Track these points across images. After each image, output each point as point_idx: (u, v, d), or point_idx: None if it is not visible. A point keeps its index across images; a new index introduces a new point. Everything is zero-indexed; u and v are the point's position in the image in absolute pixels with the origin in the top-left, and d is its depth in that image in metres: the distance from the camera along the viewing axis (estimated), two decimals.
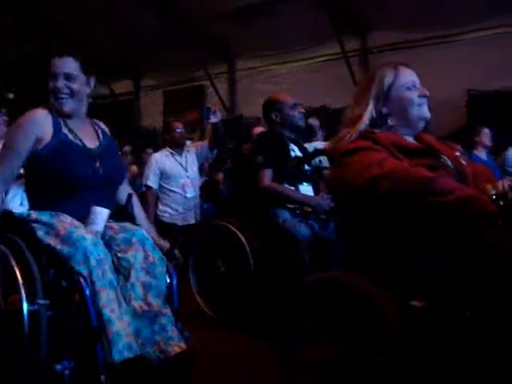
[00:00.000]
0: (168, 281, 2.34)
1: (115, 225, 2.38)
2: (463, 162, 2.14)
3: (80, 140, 2.42)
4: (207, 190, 5.57)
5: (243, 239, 3.42)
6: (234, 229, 3.50)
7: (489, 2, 8.48)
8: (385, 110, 2.13)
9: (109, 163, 2.44)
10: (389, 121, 2.14)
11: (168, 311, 2.28)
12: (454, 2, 8.56)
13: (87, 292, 2.03)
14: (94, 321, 2.02)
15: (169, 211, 4.80)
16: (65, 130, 2.41)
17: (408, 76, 2.16)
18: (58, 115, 2.42)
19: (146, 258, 2.28)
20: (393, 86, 2.13)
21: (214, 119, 4.52)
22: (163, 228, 4.71)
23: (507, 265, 1.72)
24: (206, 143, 5.01)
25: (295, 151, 3.52)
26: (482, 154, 5.56)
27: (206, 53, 11.82)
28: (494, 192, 1.87)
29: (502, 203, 1.84)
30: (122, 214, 2.49)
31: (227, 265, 3.57)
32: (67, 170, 2.31)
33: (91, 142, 2.47)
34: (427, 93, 2.15)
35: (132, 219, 2.50)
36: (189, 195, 4.80)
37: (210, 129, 4.84)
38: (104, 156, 2.45)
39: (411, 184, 1.82)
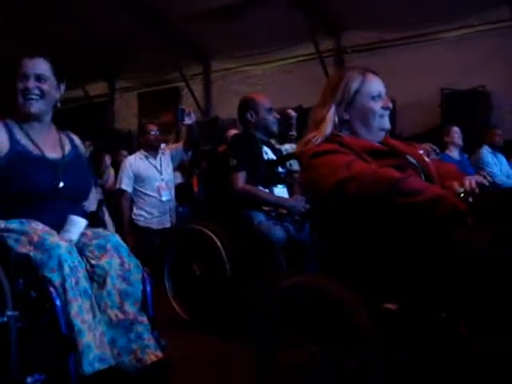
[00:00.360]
0: (143, 288, 2.30)
1: (89, 231, 2.33)
2: (427, 160, 2.14)
3: (39, 150, 2.35)
4: (182, 193, 5.52)
5: (218, 243, 3.40)
6: (209, 232, 3.47)
7: (463, 1, 8.57)
8: (346, 116, 2.12)
9: (73, 175, 2.38)
10: (349, 128, 2.12)
11: (144, 319, 2.25)
12: (429, 1, 8.63)
13: (58, 302, 1.99)
14: (64, 331, 1.98)
15: (144, 215, 4.76)
16: (23, 140, 2.34)
17: (375, 85, 2.15)
18: (18, 122, 2.35)
19: (121, 264, 2.24)
20: (358, 93, 2.12)
21: (188, 121, 4.49)
22: (138, 232, 4.68)
23: (476, 263, 1.72)
24: (180, 145, 4.97)
25: (268, 153, 3.51)
26: (454, 153, 5.59)
27: (181, 54, 11.78)
28: (461, 190, 1.88)
29: (470, 200, 1.85)
30: (93, 220, 2.44)
31: (203, 269, 3.54)
32: (24, 181, 2.25)
33: (53, 152, 2.40)
34: (390, 105, 2.16)
35: (104, 225, 2.46)
36: (164, 198, 4.76)
37: (185, 130, 4.80)
38: (68, 167, 2.38)
39: (379, 185, 1.82)
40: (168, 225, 4.79)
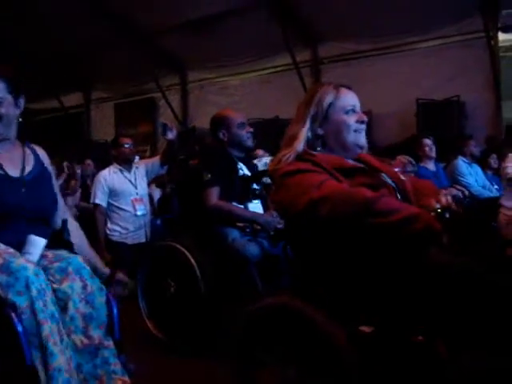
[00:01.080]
0: (108, 310, 2.22)
1: (50, 253, 2.24)
2: (403, 178, 2.10)
3: (1, 168, 2.27)
4: (160, 206, 5.44)
5: (192, 259, 3.32)
6: (182, 249, 3.40)
7: (438, 12, 8.64)
8: (320, 131, 2.07)
9: (35, 194, 2.30)
10: (319, 145, 2.07)
11: (110, 343, 2.17)
12: (405, 12, 8.69)
13: (19, 328, 1.90)
14: (28, 360, 1.89)
15: (118, 230, 4.66)
16: None
17: (349, 99, 2.11)
18: None
19: (84, 287, 2.15)
20: (332, 107, 2.08)
21: (170, 136, 4.46)
22: (113, 247, 4.59)
23: (453, 284, 1.68)
24: (157, 159, 4.89)
25: (243, 170, 3.44)
26: (429, 165, 5.58)
27: (158, 65, 11.72)
28: (438, 206, 1.84)
29: (447, 216, 1.82)
30: (58, 240, 2.35)
31: (176, 286, 3.46)
32: None
33: (15, 170, 2.31)
34: (365, 119, 2.11)
35: (69, 246, 2.37)
36: (139, 213, 4.67)
37: (166, 144, 4.74)
38: (32, 184, 2.31)
39: (352, 206, 1.76)
40: (143, 240, 4.70)
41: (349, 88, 2.16)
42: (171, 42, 11.11)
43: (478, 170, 6.03)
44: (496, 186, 5.79)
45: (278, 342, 1.98)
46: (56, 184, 2.52)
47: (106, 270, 2.48)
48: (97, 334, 2.14)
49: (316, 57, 10.56)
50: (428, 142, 5.60)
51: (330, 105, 2.08)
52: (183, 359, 3.33)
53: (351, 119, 2.09)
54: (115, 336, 2.23)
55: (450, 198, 1.86)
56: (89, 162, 7.29)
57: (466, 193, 5.15)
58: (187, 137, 10.32)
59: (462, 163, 5.88)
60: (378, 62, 9.73)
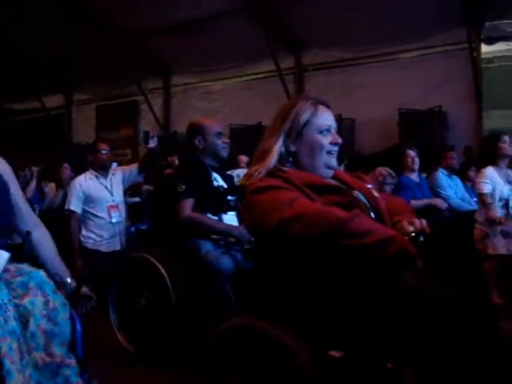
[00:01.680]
0: (71, 327, 2.14)
1: (13, 267, 2.15)
2: (376, 195, 2.04)
3: None
4: (133, 214, 5.34)
5: (164, 272, 3.24)
6: (154, 261, 3.32)
7: (421, 23, 8.66)
8: (293, 148, 2.01)
9: None
10: (291, 162, 2.01)
11: (72, 361, 2.08)
12: (389, 22, 8.72)
13: None
14: None
15: (93, 237, 4.56)
16: None
17: (325, 118, 2.04)
18: None
19: (46, 303, 2.06)
20: (308, 125, 2.01)
21: (152, 144, 4.39)
22: (87, 255, 4.49)
23: (423, 310, 1.63)
24: (135, 166, 4.80)
25: (218, 180, 3.37)
26: (412, 175, 5.53)
27: (140, 68, 11.64)
28: (412, 229, 1.79)
29: (422, 239, 1.77)
30: (19, 253, 2.26)
31: (148, 299, 3.38)
32: None
33: None
34: (340, 141, 2.05)
35: (32, 259, 2.28)
36: (114, 220, 4.57)
37: (145, 152, 4.67)
38: None
39: (325, 226, 1.70)
40: (118, 247, 4.60)
41: (327, 106, 2.10)
42: (155, 45, 11.05)
43: (458, 182, 6.01)
44: (475, 199, 5.77)
45: (246, 363, 1.91)
46: (17, 193, 2.40)
47: (73, 284, 2.39)
48: (59, 351, 2.05)
49: (300, 64, 10.57)
50: (412, 153, 5.55)
51: (307, 122, 2.01)
52: (153, 372, 3.24)
53: (326, 140, 2.03)
54: (78, 354, 2.14)
55: (424, 222, 1.80)
56: (66, 165, 7.16)
57: (446, 205, 5.18)
58: (168, 142, 10.23)
59: (441, 175, 5.86)
60: (361, 71, 9.76)
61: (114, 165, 5.15)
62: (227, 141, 3.50)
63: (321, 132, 2.02)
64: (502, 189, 4.31)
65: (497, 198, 4.33)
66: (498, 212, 4.29)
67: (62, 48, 10.93)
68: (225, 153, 3.47)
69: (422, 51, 9.21)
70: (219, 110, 11.29)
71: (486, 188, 4.34)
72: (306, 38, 10.20)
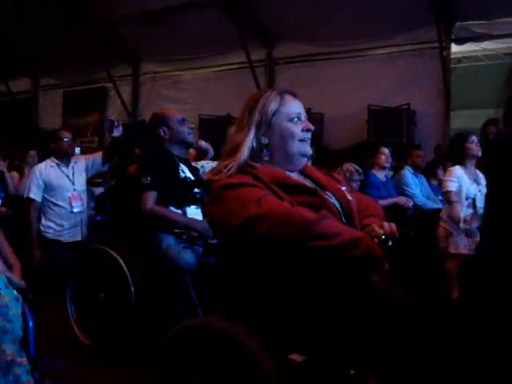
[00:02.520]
0: (24, 323, 2.07)
1: None
2: (349, 198, 2.00)
3: None
4: (98, 205, 5.23)
5: (124, 265, 3.17)
6: (114, 254, 3.24)
7: (392, 20, 8.69)
8: (264, 140, 1.95)
9: None
10: (265, 155, 1.96)
11: (24, 360, 2.01)
12: (361, 18, 8.72)
13: None
14: None
15: (53, 227, 4.44)
16: None
17: (294, 107, 1.99)
18: None
19: None
20: (276, 115, 1.95)
21: (116, 133, 4.29)
22: (46, 245, 4.38)
23: (386, 317, 1.60)
24: (99, 155, 4.67)
25: (185, 172, 3.30)
26: (380, 174, 5.52)
27: (110, 54, 11.43)
28: (381, 232, 1.76)
29: (390, 243, 1.74)
30: None
31: (107, 292, 3.30)
32: None
33: None
34: (312, 127, 2.00)
35: None
36: (75, 210, 4.45)
37: (110, 141, 4.56)
38: None
39: (292, 227, 1.65)
40: (79, 238, 4.48)
41: (294, 95, 2.05)
42: (125, 33, 10.89)
43: (424, 180, 6.05)
44: (440, 197, 5.81)
45: (203, 365, 1.87)
46: None
47: (22, 283, 2.31)
48: (10, 348, 1.98)
49: (271, 57, 10.50)
50: (386, 151, 5.55)
51: (275, 112, 1.95)
52: (109, 368, 3.17)
53: (297, 128, 1.98)
54: (30, 352, 2.07)
55: (393, 226, 1.77)
56: (32, 152, 6.97)
57: (411, 203, 5.20)
58: (136, 130, 10.09)
59: (408, 173, 5.89)
60: (332, 66, 9.75)
61: (77, 150, 5.03)
62: (192, 126, 3.45)
63: (291, 120, 1.97)
64: (469, 187, 4.34)
65: (463, 197, 4.35)
66: (463, 211, 4.32)
67: (29, 31, 10.66)
68: (191, 138, 3.42)
69: (392, 49, 9.23)
70: (188, 99, 11.18)
71: (452, 186, 4.37)
72: (278, 31, 10.15)
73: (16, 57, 11.97)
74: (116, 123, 4.34)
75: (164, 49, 11.05)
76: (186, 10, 9.52)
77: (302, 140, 1.98)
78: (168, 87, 11.68)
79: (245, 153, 1.91)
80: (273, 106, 1.96)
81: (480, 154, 4.34)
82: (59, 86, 13.35)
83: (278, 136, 1.95)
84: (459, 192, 4.34)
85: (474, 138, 4.44)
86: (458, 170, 4.40)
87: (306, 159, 2.03)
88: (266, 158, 1.95)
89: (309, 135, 2.00)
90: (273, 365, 1.66)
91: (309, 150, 2.01)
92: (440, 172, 6.19)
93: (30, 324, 2.10)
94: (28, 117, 13.60)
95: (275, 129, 1.95)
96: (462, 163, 4.41)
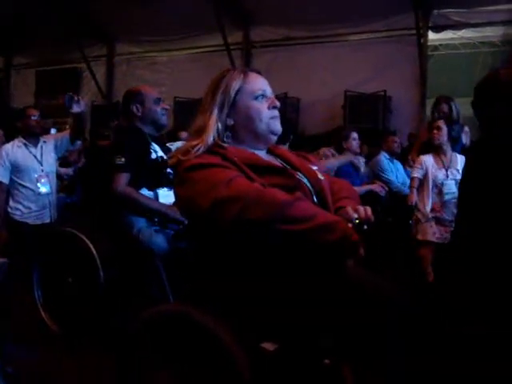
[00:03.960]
0: None
1: None
2: (321, 177, 1.94)
3: None
4: (67, 186, 5.09)
5: (93, 248, 3.08)
6: (83, 237, 3.14)
7: (370, 6, 8.65)
8: (229, 121, 1.87)
9: None
10: (228, 136, 1.88)
11: None
12: (339, 3, 8.68)
13: None
14: None
15: (20, 208, 4.30)
16: None
17: (258, 83, 1.92)
18: None
19: None
20: (240, 94, 1.87)
21: (76, 109, 4.08)
22: (14, 228, 4.25)
23: (363, 304, 1.55)
24: (66, 134, 4.53)
25: (157, 152, 3.19)
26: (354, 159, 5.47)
27: (84, 33, 11.20)
28: (356, 216, 1.70)
29: (365, 227, 1.68)
30: None
31: (75, 276, 3.21)
32: None
33: None
34: (278, 104, 1.92)
35: None
36: (43, 191, 4.32)
37: (72, 119, 4.39)
38: None
39: (263, 209, 1.59)
40: (47, 220, 4.34)
41: (258, 72, 1.98)
42: (100, 11, 10.64)
43: (399, 166, 6.03)
44: None
45: (174, 350, 1.80)
46: None
47: None
48: None
49: (248, 40, 10.42)
50: (355, 135, 5.49)
51: (238, 91, 1.87)
52: (76, 354, 3.07)
53: (263, 105, 1.90)
54: None
55: (368, 210, 1.72)
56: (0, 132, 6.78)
57: (386, 189, 5.18)
58: (110, 112, 9.92)
59: (384, 159, 5.86)
60: (309, 51, 9.70)
61: (53, 131, 4.87)
62: (167, 107, 3.32)
63: (255, 98, 1.89)
64: (437, 174, 4.35)
65: (430, 185, 4.37)
66: (429, 198, 4.35)
67: (2, 8, 10.37)
68: (164, 120, 3.28)
69: (369, 34, 9.23)
70: (164, 81, 11.04)
71: (417, 173, 4.46)
72: (255, 14, 10.07)
73: None
74: (75, 98, 4.10)
75: (140, 29, 10.91)
76: None
77: (271, 118, 1.90)
78: (143, 68, 11.54)
79: (211, 134, 1.83)
80: (235, 85, 1.87)
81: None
82: (32, 66, 13.07)
83: (243, 115, 1.88)
84: (423, 179, 4.41)
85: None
86: (425, 157, 4.42)
87: (275, 137, 1.95)
88: (229, 140, 1.88)
89: (276, 112, 1.93)
90: (243, 353, 1.60)
91: (279, 127, 1.94)
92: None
93: None
94: (0, 97, 13.30)
95: (240, 108, 1.88)
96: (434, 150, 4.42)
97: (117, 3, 9.97)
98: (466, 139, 4.67)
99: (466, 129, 4.72)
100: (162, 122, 3.29)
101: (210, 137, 1.82)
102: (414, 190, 4.48)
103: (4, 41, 12.25)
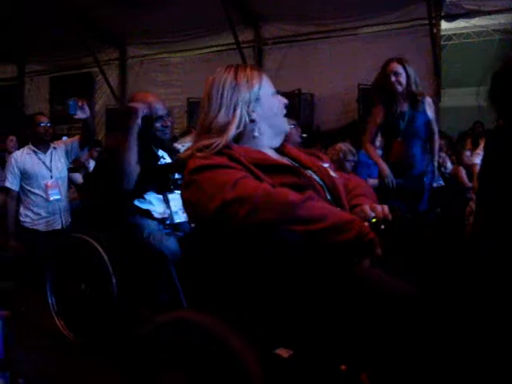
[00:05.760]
0: None
1: None
2: (333, 175, 1.87)
3: None
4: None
5: (104, 255, 3.03)
6: (94, 243, 3.10)
7: None
8: (254, 116, 1.81)
9: None
10: (255, 131, 1.83)
11: None
12: None
13: None
14: None
15: (30, 215, 4.27)
16: None
17: (269, 81, 1.89)
18: None
19: None
20: (262, 89, 1.83)
21: (81, 115, 4.00)
22: (25, 235, 4.24)
23: (381, 307, 1.47)
24: (76, 139, 4.49)
25: (165, 158, 3.13)
26: None
27: (96, 37, 11.24)
28: (373, 215, 1.63)
29: (382, 227, 1.61)
30: None
31: (87, 283, 3.17)
32: None
33: None
34: (286, 101, 1.91)
35: None
36: (52, 198, 4.28)
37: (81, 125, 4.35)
38: None
39: (273, 210, 1.52)
40: (58, 227, 4.30)
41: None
42: (110, 15, 10.64)
43: None
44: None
45: (186, 356, 1.74)
46: None
47: None
48: None
49: (259, 37, 10.37)
50: None
51: (260, 87, 1.83)
52: (92, 363, 3.03)
53: (280, 103, 1.89)
54: None
55: (386, 208, 1.65)
56: (12, 137, 6.81)
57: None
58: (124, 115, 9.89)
59: None
60: (321, 46, 9.62)
61: (64, 138, 4.84)
62: (168, 124, 3.20)
63: (274, 94, 1.88)
64: None
65: None
66: None
67: (13, 16, 10.43)
68: (165, 136, 3.17)
69: (381, 27, 9.12)
70: (177, 82, 11.05)
71: (479, 159, 4.29)
72: (265, 12, 10.02)
73: (1, 43, 11.70)
74: (79, 103, 3.99)
75: (151, 31, 10.89)
76: None
77: (284, 115, 1.90)
78: (155, 70, 11.54)
79: (233, 129, 1.77)
80: (256, 81, 1.83)
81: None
82: (45, 72, 13.15)
83: (267, 110, 1.84)
84: None
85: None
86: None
87: (284, 136, 1.94)
88: (256, 134, 1.83)
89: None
90: (257, 361, 1.54)
91: (288, 127, 1.94)
92: None
93: None
94: (14, 104, 13.37)
95: (264, 102, 1.83)
96: None
97: (127, 6, 9.96)
98: (431, 113, 4.19)
99: (429, 100, 4.24)
100: (161, 138, 3.17)
101: (232, 133, 1.77)
102: None
103: (16, 49, 12.29)
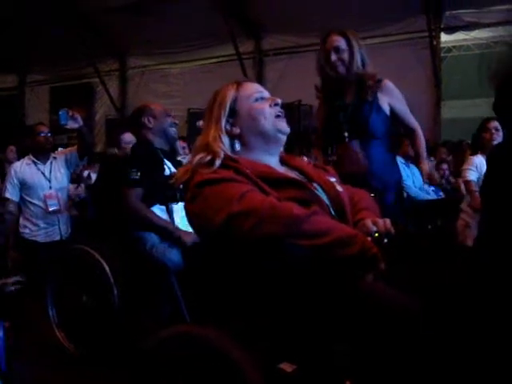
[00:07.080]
0: None
1: None
2: (339, 189, 1.87)
3: None
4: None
5: (106, 267, 3.03)
6: (96, 255, 3.09)
7: (380, 11, 8.58)
8: (235, 130, 1.82)
9: None
10: (236, 145, 1.83)
11: None
12: (350, 9, 8.61)
13: None
14: None
15: (29, 226, 4.26)
16: None
17: (253, 88, 1.89)
18: None
19: None
20: (237, 101, 1.84)
21: (73, 124, 3.99)
22: (24, 246, 4.23)
23: (384, 322, 1.47)
24: (75, 149, 4.48)
25: (171, 168, 3.15)
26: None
27: (96, 49, 11.27)
28: (375, 229, 1.63)
29: (385, 241, 1.61)
30: None
31: (89, 295, 3.16)
32: None
33: None
34: (279, 101, 1.87)
35: None
36: (51, 209, 4.27)
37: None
38: None
39: (278, 224, 1.52)
40: (57, 238, 4.29)
41: (251, 82, 1.95)
42: (111, 25, 10.70)
43: (415, 170, 5.88)
44: (432, 188, 5.69)
45: (189, 371, 1.73)
46: None
47: None
48: None
49: (259, 48, 10.39)
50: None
51: (235, 99, 1.84)
52: (94, 374, 3.01)
53: (264, 105, 1.86)
54: (1, 367, 1.93)
55: (388, 222, 1.65)
56: (12, 147, 6.81)
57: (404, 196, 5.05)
58: (126, 126, 9.92)
59: (400, 164, 5.73)
60: None
61: (60, 149, 4.83)
62: (175, 121, 3.32)
63: (255, 100, 1.86)
64: None
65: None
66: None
67: (14, 26, 10.47)
68: (173, 132, 3.28)
69: (381, 39, 9.13)
70: (177, 93, 11.07)
71: (472, 175, 4.25)
72: (265, 23, 10.07)
73: (2, 53, 11.73)
74: (70, 113, 4.00)
75: (151, 42, 10.92)
76: (173, 2, 9.36)
77: (277, 116, 1.86)
78: (156, 81, 11.57)
79: (218, 148, 1.77)
80: (230, 95, 1.85)
81: None
82: (45, 82, 13.16)
83: (247, 120, 1.83)
84: (478, 181, 4.15)
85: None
86: (477, 159, 4.26)
87: (284, 136, 1.89)
88: (238, 149, 1.83)
89: (280, 109, 1.88)
90: (260, 376, 1.53)
91: (286, 127, 1.89)
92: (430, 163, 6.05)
93: (0, 335, 1.95)
94: (14, 114, 13.39)
95: (243, 114, 1.84)
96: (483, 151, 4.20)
97: (128, 17, 10.01)
98: (394, 101, 3.32)
99: (390, 85, 3.34)
100: (170, 133, 3.27)
101: (221, 149, 1.77)
102: (477, 194, 4.10)
103: (17, 58, 12.32)
